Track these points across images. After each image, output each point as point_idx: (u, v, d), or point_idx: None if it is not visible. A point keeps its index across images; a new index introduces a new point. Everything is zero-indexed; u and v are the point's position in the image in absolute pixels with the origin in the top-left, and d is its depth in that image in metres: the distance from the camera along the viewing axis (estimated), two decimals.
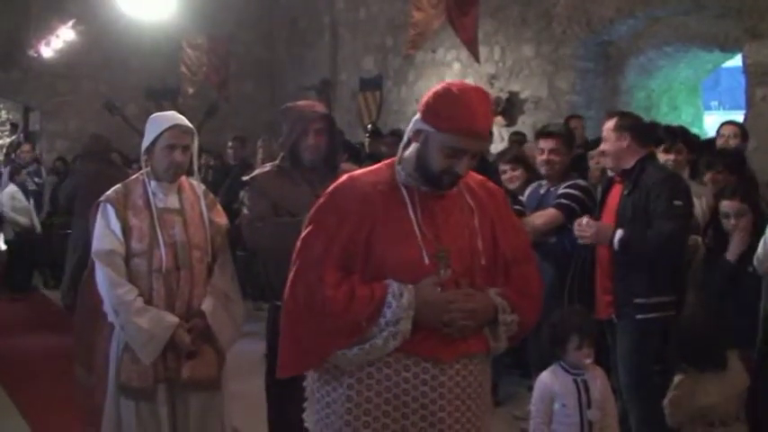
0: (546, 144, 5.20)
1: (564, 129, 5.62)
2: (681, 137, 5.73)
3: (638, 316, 4.30)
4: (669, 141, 5.47)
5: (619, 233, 4.34)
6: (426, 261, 2.59)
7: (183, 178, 3.88)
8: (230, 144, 10.21)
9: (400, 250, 2.59)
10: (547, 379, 3.89)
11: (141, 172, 3.87)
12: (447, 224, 2.65)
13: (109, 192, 3.84)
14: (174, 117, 3.80)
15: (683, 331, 3.97)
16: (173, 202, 3.80)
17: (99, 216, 3.75)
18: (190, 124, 3.80)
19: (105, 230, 3.70)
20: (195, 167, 3.92)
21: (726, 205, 4.36)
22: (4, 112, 17.76)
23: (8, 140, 16.90)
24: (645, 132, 4.63)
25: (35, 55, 13.80)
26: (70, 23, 12.69)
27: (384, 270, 2.60)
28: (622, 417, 4.45)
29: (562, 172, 5.19)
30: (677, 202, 4.34)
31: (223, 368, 3.90)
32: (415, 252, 2.59)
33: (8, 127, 17.51)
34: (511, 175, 5.70)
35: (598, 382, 3.86)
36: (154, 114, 3.88)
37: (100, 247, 3.70)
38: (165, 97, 14.44)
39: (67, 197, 8.88)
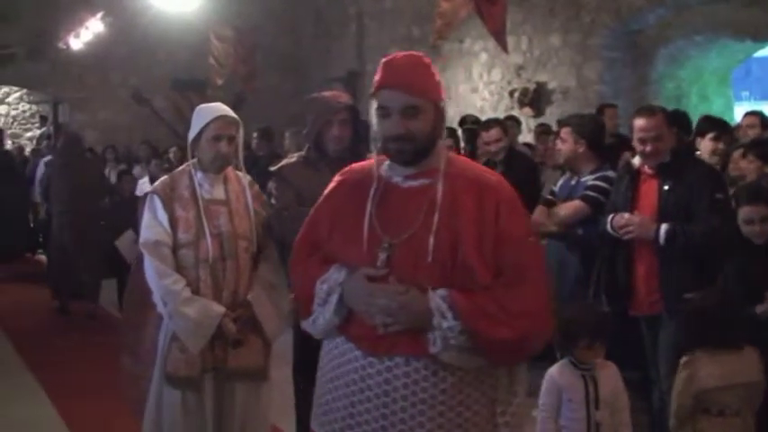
0: (561, 133, 5.25)
1: (576, 118, 5.59)
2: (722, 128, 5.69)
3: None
4: (718, 130, 5.41)
5: (664, 227, 4.30)
6: (364, 253, 2.52)
7: (229, 169, 3.90)
8: (255, 135, 10.24)
9: (348, 241, 2.58)
10: (555, 373, 3.84)
11: (187, 163, 3.88)
12: (400, 218, 2.54)
13: (156, 183, 3.91)
14: (220, 108, 3.83)
15: (696, 312, 3.92)
16: (218, 192, 3.83)
17: (146, 207, 3.79)
18: (235, 115, 3.81)
19: (152, 221, 3.75)
20: (240, 158, 3.93)
21: (749, 211, 4.17)
22: (34, 104, 17.96)
23: (38, 132, 17.08)
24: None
25: (64, 47, 13.91)
26: (99, 15, 12.77)
27: (336, 258, 2.62)
28: (660, 408, 4.43)
29: (582, 162, 5.17)
30: (719, 195, 4.33)
31: (269, 357, 3.93)
32: (359, 244, 2.54)
33: (38, 119, 17.69)
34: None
35: (608, 379, 3.80)
36: (200, 105, 3.92)
37: (147, 238, 3.75)
38: (192, 89, 14.51)
39: (44, 187, 9.80)
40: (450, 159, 2.62)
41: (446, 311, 2.43)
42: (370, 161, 2.71)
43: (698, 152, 5.40)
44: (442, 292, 2.45)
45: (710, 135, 5.35)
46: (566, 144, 5.20)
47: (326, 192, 2.78)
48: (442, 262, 2.47)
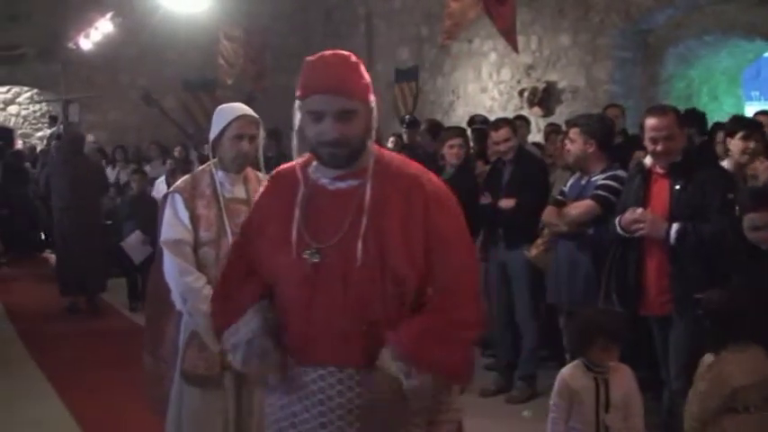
0: (570, 134, 5.23)
1: (586, 118, 5.56)
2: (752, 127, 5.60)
3: (699, 311, 4.19)
4: (747, 129, 5.35)
5: (675, 226, 4.30)
6: (293, 260, 2.46)
7: (249, 169, 3.92)
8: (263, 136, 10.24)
9: (277, 247, 2.50)
10: (566, 374, 3.80)
11: (208, 163, 3.90)
12: (328, 222, 2.47)
13: (177, 182, 3.92)
14: (241, 108, 3.85)
15: (721, 312, 3.82)
16: (239, 191, 3.85)
17: (167, 206, 3.80)
18: (256, 115, 3.83)
19: (174, 219, 3.76)
20: (260, 158, 3.94)
21: (754, 218, 4.06)
22: (44, 104, 18.00)
23: (48, 132, 17.14)
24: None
25: (74, 47, 13.94)
26: (108, 16, 12.81)
27: (264, 266, 2.57)
28: (670, 408, 4.43)
29: (591, 161, 5.15)
30: (731, 195, 4.32)
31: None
32: (288, 250, 2.47)
33: (48, 119, 17.75)
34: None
35: (621, 382, 3.76)
36: (221, 106, 3.93)
37: (168, 236, 3.75)
38: (202, 89, 14.50)
39: (45, 182, 10.27)
40: (378, 157, 2.53)
41: (404, 368, 2.35)
42: (303, 161, 2.61)
43: (729, 152, 5.36)
44: (388, 353, 2.36)
45: (740, 134, 5.29)
46: (575, 144, 5.19)
47: (257, 196, 2.76)
48: (371, 266, 2.41)
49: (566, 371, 3.83)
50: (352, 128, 2.43)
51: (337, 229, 2.44)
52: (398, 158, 2.61)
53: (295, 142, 2.59)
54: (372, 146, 2.53)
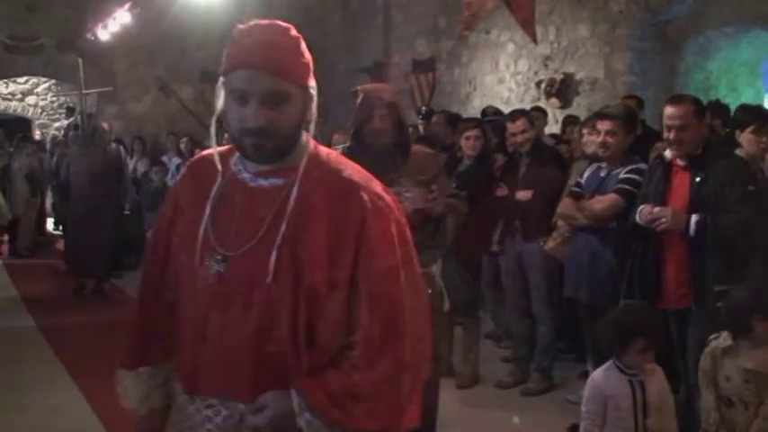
0: (602, 125, 5.14)
1: (623, 110, 5.51)
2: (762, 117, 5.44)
3: (719, 303, 4.12)
4: (758, 121, 5.24)
5: (694, 218, 4.27)
6: (197, 265, 2.08)
7: None
8: None
9: (183, 248, 2.13)
10: (599, 379, 3.68)
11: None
12: (242, 225, 2.06)
13: None
14: None
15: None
16: None
17: None
18: None
19: None
20: None
21: None
22: (62, 95, 18.09)
23: (65, 123, 17.22)
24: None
25: (92, 38, 13.99)
26: (126, 6, 12.84)
27: (170, 268, 2.21)
28: (687, 400, 4.39)
29: (621, 154, 5.11)
30: (752, 188, 4.30)
31: None
32: (193, 253, 2.08)
33: (65, 110, 17.84)
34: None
35: (655, 383, 3.66)
36: None
37: None
38: None
39: (65, 171, 10.37)
40: (313, 155, 2.11)
41: (315, 423, 1.96)
42: (227, 150, 2.17)
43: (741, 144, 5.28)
44: (298, 400, 1.96)
45: (750, 127, 5.19)
46: (616, 137, 5.08)
47: (174, 184, 2.40)
48: (283, 284, 1.99)
49: (597, 374, 3.71)
50: (283, 115, 2.01)
51: (251, 234, 2.03)
52: (338, 160, 2.17)
53: (213, 129, 2.16)
54: (308, 140, 2.13)
